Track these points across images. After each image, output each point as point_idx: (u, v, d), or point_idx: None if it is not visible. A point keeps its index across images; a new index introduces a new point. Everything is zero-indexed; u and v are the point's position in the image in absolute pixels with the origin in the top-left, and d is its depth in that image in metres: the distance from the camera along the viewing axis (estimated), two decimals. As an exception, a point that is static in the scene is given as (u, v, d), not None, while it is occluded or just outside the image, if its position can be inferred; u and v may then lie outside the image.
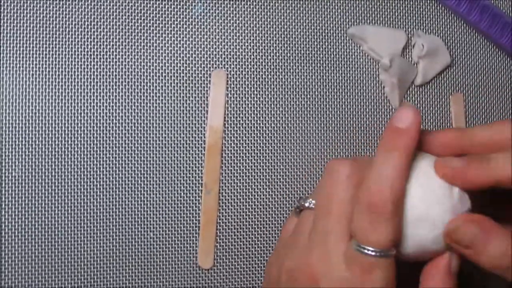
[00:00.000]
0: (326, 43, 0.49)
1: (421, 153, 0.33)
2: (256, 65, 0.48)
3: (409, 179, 0.31)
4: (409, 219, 0.31)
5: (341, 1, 0.49)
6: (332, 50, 0.49)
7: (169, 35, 0.46)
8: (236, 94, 0.47)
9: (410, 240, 0.31)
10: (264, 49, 0.48)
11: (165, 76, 0.46)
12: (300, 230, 0.34)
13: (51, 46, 0.45)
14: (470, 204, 0.32)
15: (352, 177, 0.32)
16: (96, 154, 0.45)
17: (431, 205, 0.31)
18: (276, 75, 0.48)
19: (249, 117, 0.47)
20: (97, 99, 0.45)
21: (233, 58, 0.47)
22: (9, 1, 0.44)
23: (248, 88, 0.47)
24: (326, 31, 0.49)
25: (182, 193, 0.46)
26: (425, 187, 0.31)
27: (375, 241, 0.30)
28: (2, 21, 0.44)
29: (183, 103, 0.46)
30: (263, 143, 0.47)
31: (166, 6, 0.46)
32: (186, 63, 0.47)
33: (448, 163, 0.32)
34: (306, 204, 0.34)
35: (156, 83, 0.46)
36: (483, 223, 0.31)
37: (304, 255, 0.32)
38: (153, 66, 0.46)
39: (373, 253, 0.30)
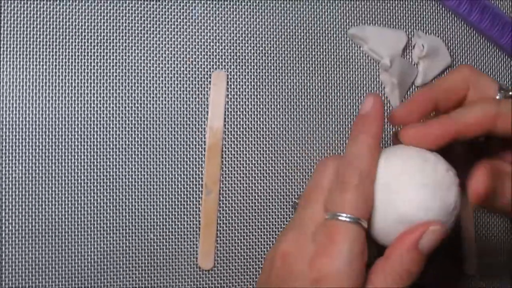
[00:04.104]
0: (327, 44, 0.49)
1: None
2: (256, 65, 0.48)
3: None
4: (379, 196, 0.33)
5: (341, 2, 0.49)
6: (332, 50, 0.49)
7: (169, 37, 0.46)
8: (236, 95, 0.47)
9: (379, 216, 0.33)
10: (264, 50, 0.48)
11: (165, 77, 0.46)
12: (290, 221, 0.36)
13: (51, 47, 0.44)
14: (447, 169, 0.34)
15: (336, 169, 0.35)
16: (97, 155, 0.45)
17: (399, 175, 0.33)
18: (276, 75, 0.48)
19: (249, 118, 0.47)
20: (97, 100, 0.45)
21: (233, 59, 0.47)
22: (9, 2, 0.44)
23: (248, 89, 0.47)
24: (326, 31, 0.49)
25: (182, 194, 0.46)
26: (393, 160, 0.34)
27: (341, 206, 0.32)
28: (2, 22, 0.44)
29: (183, 104, 0.46)
30: (263, 144, 0.47)
31: (166, 7, 0.46)
32: (186, 64, 0.46)
33: (408, 128, 0.36)
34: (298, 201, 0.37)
35: (156, 84, 0.46)
36: (495, 172, 0.34)
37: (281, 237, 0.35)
38: (153, 67, 0.46)
39: (341, 218, 0.32)
